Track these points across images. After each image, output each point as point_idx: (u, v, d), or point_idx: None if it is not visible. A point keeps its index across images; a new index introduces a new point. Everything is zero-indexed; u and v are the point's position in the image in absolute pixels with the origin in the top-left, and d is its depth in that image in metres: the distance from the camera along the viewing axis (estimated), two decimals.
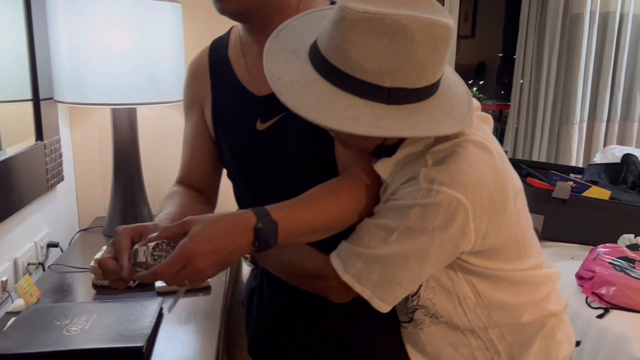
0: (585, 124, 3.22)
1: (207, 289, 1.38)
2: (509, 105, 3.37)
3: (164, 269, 0.76)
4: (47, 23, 1.57)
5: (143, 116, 1.84)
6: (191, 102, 1.15)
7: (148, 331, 1.11)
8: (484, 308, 0.93)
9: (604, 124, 3.25)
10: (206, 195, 1.15)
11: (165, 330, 1.19)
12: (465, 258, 0.88)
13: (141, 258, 0.82)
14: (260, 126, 1.02)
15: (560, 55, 3.17)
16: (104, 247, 1.44)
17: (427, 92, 0.82)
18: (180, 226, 0.80)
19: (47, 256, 1.61)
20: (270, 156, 1.03)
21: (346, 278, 0.88)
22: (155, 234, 0.81)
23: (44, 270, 1.53)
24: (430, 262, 0.85)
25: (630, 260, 1.53)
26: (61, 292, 1.38)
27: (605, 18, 3.13)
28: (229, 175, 1.15)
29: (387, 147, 0.89)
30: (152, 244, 0.82)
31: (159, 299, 1.28)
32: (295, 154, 1.00)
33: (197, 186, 1.15)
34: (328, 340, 1.06)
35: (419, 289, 0.93)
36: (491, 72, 5.13)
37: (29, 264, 1.50)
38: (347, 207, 0.91)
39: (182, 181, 1.16)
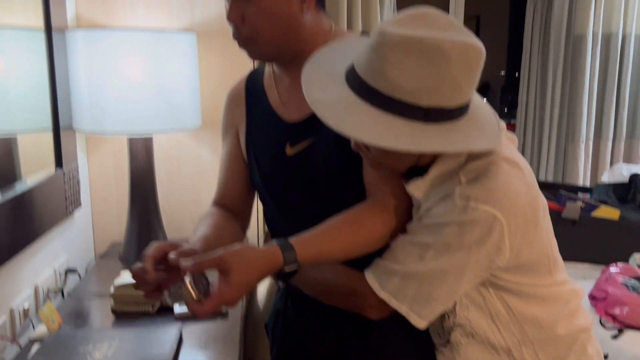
0: (591, 142, 3.25)
1: (224, 315, 1.40)
2: (514, 124, 3.40)
3: (205, 309, 0.84)
4: (67, 55, 1.62)
5: (158, 143, 1.88)
6: (228, 127, 1.22)
7: (169, 357, 1.13)
8: (517, 324, 0.95)
9: (610, 142, 3.27)
10: (239, 216, 1.19)
11: (186, 355, 1.21)
12: (497, 274, 0.91)
13: (184, 292, 0.87)
14: (289, 151, 1.07)
15: (565, 75, 3.21)
16: (122, 273, 1.47)
17: (460, 111, 0.86)
18: (217, 263, 0.84)
19: (65, 282, 1.64)
20: (298, 179, 1.07)
21: (383, 295, 0.91)
22: (190, 262, 0.85)
23: (63, 296, 1.55)
24: (466, 277, 0.88)
25: None
26: (81, 318, 1.40)
27: (607, 39, 3.17)
28: (260, 198, 1.20)
29: (419, 168, 0.93)
30: (188, 278, 0.86)
31: (178, 324, 1.31)
32: (322, 177, 1.04)
33: (231, 207, 1.19)
34: None
35: (455, 307, 0.96)
36: (495, 90, 5.19)
37: (49, 291, 1.52)
38: (371, 235, 0.95)
39: (218, 202, 1.21)
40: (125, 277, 1.44)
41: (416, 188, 0.94)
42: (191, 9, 1.85)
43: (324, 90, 0.89)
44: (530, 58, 3.23)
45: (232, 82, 1.87)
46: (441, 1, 3.32)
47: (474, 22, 5.45)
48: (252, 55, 1.05)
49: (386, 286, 0.91)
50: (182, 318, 1.37)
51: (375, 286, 0.92)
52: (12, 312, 1.32)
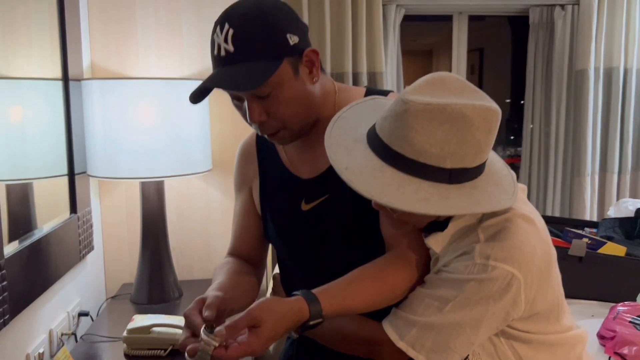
0: (597, 176, 3.26)
1: None
2: (519, 158, 3.43)
3: (231, 355, 0.84)
4: (82, 104, 1.68)
5: (169, 185, 1.93)
6: (241, 182, 1.23)
7: None
8: None
9: (615, 176, 3.29)
10: (254, 264, 1.22)
11: None
12: (510, 324, 0.94)
13: (205, 341, 0.86)
14: (305, 207, 1.10)
15: (568, 109, 3.25)
16: (135, 317, 1.49)
17: (480, 169, 0.90)
18: (248, 321, 0.86)
19: (78, 325, 1.66)
20: (314, 233, 1.10)
21: (401, 345, 0.94)
22: (222, 327, 0.86)
23: (76, 340, 1.57)
24: (482, 329, 0.92)
25: None
26: None
27: (609, 73, 3.22)
28: (274, 245, 1.23)
29: (438, 223, 0.96)
30: (204, 329, 0.87)
31: None
32: (338, 231, 1.08)
33: (246, 257, 1.22)
34: None
35: (468, 356, 0.98)
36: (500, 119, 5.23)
37: (62, 334, 1.55)
38: (393, 289, 0.99)
39: (233, 253, 1.23)
40: (138, 321, 1.47)
41: (435, 242, 0.97)
42: (201, 57, 1.92)
43: (349, 155, 0.92)
44: (533, 93, 3.28)
45: (241, 127, 1.93)
46: (445, 36, 3.40)
47: (477, 54, 5.54)
48: (284, 142, 1.07)
49: (405, 336, 0.94)
50: None
51: (394, 336, 0.95)
52: (28, 358, 1.35)
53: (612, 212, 2.61)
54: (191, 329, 0.90)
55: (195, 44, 1.92)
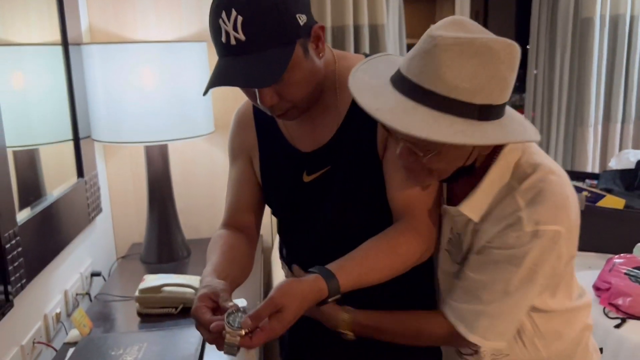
0: (600, 126, 3.26)
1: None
2: (522, 108, 3.42)
3: (255, 342, 0.87)
4: (83, 69, 1.68)
5: (173, 148, 1.95)
6: (238, 151, 1.22)
7: (195, 358, 1.21)
8: (541, 338, 1.05)
9: (619, 125, 3.28)
10: (249, 234, 1.22)
11: (210, 356, 1.29)
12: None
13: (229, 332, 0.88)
14: (306, 178, 1.11)
15: (572, 59, 3.21)
16: (145, 277, 1.55)
17: (504, 108, 0.92)
18: (271, 308, 0.88)
19: (91, 285, 1.73)
20: (316, 204, 1.12)
21: (472, 338, 0.98)
22: (246, 317, 0.87)
23: (90, 299, 1.64)
24: (538, 290, 0.98)
25: None
26: (109, 321, 1.49)
27: (615, 21, 3.16)
28: (275, 215, 1.24)
29: (464, 170, 0.97)
30: (226, 318, 0.88)
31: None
32: (340, 201, 1.09)
33: (241, 227, 1.21)
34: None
35: None
36: None
37: (77, 294, 1.61)
38: (406, 260, 1.02)
39: (228, 223, 1.22)
40: (149, 281, 1.53)
41: (471, 209, 0.99)
42: (200, 18, 1.90)
43: (377, 98, 0.91)
44: (537, 39, 3.24)
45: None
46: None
47: (482, 1, 5.42)
48: (293, 119, 1.05)
49: (475, 329, 0.97)
50: None
51: (464, 330, 0.98)
52: (45, 318, 1.41)
53: (613, 164, 2.62)
54: (204, 326, 0.90)
55: (193, 4, 1.90)
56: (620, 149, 3.26)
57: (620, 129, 3.27)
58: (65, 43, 1.61)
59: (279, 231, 1.26)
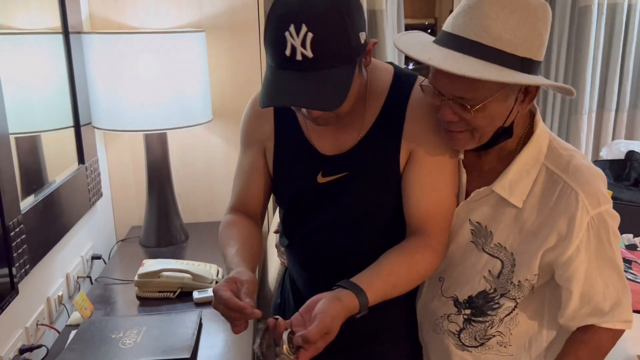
0: (594, 114, 3.29)
1: None
2: None
3: (308, 356, 0.91)
4: (84, 58, 1.71)
5: (172, 135, 1.98)
6: (251, 139, 1.22)
7: (192, 342, 1.27)
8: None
9: (612, 113, 3.31)
10: (256, 219, 1.26)
11: (206, 339, 1.35)
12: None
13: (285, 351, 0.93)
14: (321, 179, 1.14)
15: (569, 46, 3.22)
16: (145, 262, 1.60)
17: (539, 67, 0.98)
18: (323, 332, 0.91)
19: (92, 268, 1.78)
20: (327, 206, 1.15)
21: (617, 325, 1.08)
22: (298, 337, 0.90)
23: (91, 282, 1.69)
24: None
25: (627, 261, 1.63)
26: (110, 304, 1.54)
27: (613, 9, 3.18)
28: (281, 206, 1.26)
29: (503, 133, 1.03)
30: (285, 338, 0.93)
31: (198, 310, 1.44)
32: (351, 208, 1.13)
33: (250, 213, 1.25)
34: (350, 344, 1.20)
35: (504, 319, 1.13)
36: None
37: (78, 277, 1.66)
38: (423, 276, 1.11)
39: (237, 208, 1.25)
40: (148, 266, 1.58)
41: (518, 196, 1.05)
42: (200, 7, 1.92)
43: (426, 51, 0.98)
44: None
45: (241, 75, 1.97)
46: None
47: None
48: (331, 125, 1.08)
49: (614, 316, 1.07)
50: (201, 303, 1.51)
51: (607, 321, 1.08)
52: (48, 301, 1.47)
53: (604, 154, 2.66)
54: (222, 302, 0.94)
55: None
56: (614, 137, 3.30)
57: (614, 117, 3.30)
58: (66, 31, 1.64)
59: (283, 222, 1.28)
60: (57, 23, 1.61)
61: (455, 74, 0.91)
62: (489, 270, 1.10)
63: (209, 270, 1.62)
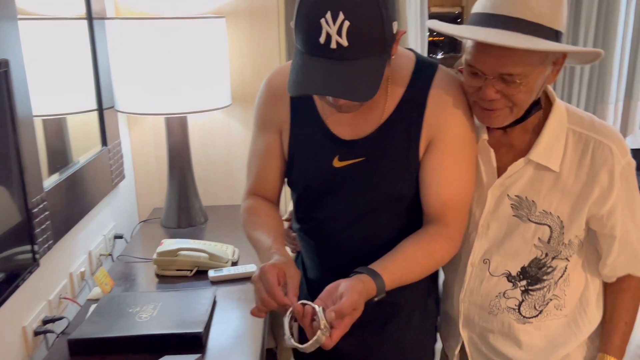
0: (621, 104, 3.23)
1: None
2: None
3: (335, 341, 0.96)
4: (107, 44, 1.76)
5: (193, 119, 2.03)
6: (267, 122, 1.22)
7: (205, 318, 1.32)
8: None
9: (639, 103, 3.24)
10: (275, 201, 1.29)
11: (219, 315, 1.39)
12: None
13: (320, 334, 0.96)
14: (337, 163, 1.15)
15: (597, 34, 3.16)
16: (164, 241, 1.65)
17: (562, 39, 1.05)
18: (352, 306, 0.95)
19: (114, 247, 1.85)
20: (342, 190, 1.16)
21: None
22: (331, 312, 0.94)
23: (112, 260, 1.76)
24: None
25: None
26: (129, 280, 1.60)
27: None
28: (294, 189, 1.26)
29: (534, 104, 1.10)
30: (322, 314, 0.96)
31: (213, 288, 1.49)
32: (366, 193, 1.14)
33: (267, 197, 1.27)
34: (366, 326, 1.22)
35: (559, 280, 1.19)
36: None
37: (100, 255, 1.73)
38: (438, 263, 1.15)
39: (255, 192, 1.27)
40: (167, 245, 1.63)
41: (539, 156, 1.11)
42: None
43: (472, 32, 1.02)
44: None
45: (260, 61, 2.00)
46: None
47: None
48: (353, 111, 1.08)
49: None
50: (216, 282, 1.55)
51: None
52: (71, 276, 1.53)
53: (629, 142, 2.61)
54: (265, 284, 0.98)
55: None
56: None
57: None
58: (90, 17, 1.69)
59: (297, 206, 1.28)
60: (82, 10, 1.66)
61: (509, 46, 0.96)
62: (539, 238, 1.15)
63: (225, 250, 1.66)
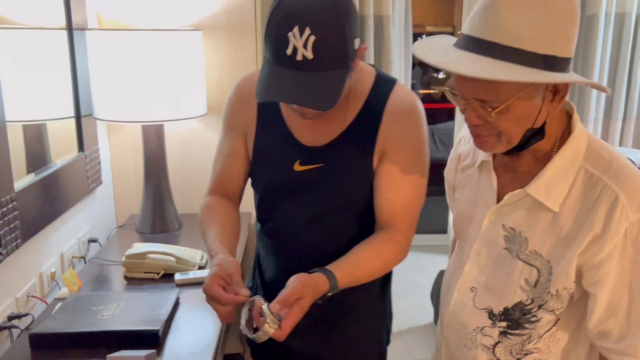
0: (600, 123, 3.29)
1: None
2: None
3: (285, 333, 1.02)
4: (87, 54, 1.83)
5: (170, 128, 2.09)
6: (234, 124, 1.29)
7: (164, 317, 1.36)
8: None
9: (619, 123, 3.31)
10: (235, 200, 1.35)
11: (182, 316, 1.43)
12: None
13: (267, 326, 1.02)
14: (298, 167, 1.21)
15: (577, 55, 3.24)
16: (134, 244, 1.70)
17: (568, 64, 0.92)
18: (296, 296, 1.02)
19: (88, 250, 1.89)
20: (302, 193, 1.23)
21: None
22: (275, 303, 1.02)
23: (85, 262, 1.80)
24: None
25: None
26: (99, 282, 1.65)
27: (621, 19, 3.18)
28: (256, 190, 1.32)
29: (535, 133, 0.97)
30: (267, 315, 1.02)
31: (177, 290, 1.53)
32: (325, 199, 1.21)
33: (229, 195, 1.33)
34: (319, 324, 1.29)
35: (543, 335, 1.06)
36: None
37: (72, 257, 1.78)
38: (387, 266, 1.21)
39: (217, 190, 1.33)
40: (136, 248, 1.68)
41: (554, 199, 0.98)
42: (198, 9, 2.03)
43: (441, 56, 0.94)
44: None
45: (234, 72, 2.07)
46: None
47: None
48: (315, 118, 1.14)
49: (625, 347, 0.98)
50: (182, 285, 1.60)
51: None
52: (41, 275, 1.58)
53: None
54: (215, 300, 1.04)
55: None
56: (620, 146, 3.29)
57: (621, 126, 3.30)
58: (70, 28, 1.76)
59: (258, 207, 1.34)
60: (63, 21, 1.74)
61: (464, 74, 0.89)
62: (525, 279, 1.03)
63: (193, 255, 1.71)
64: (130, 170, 2.18)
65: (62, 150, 1.75)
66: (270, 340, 1.04)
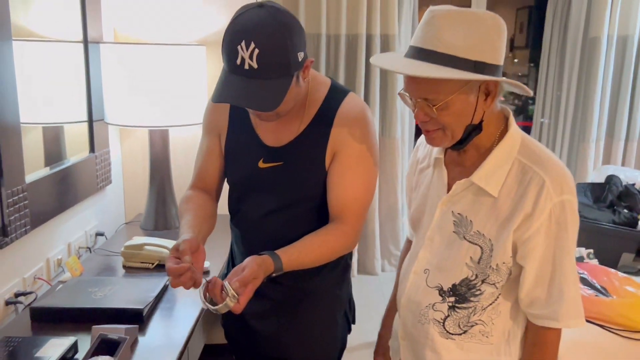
0: (602, 142, 3.34)
1: (206, 273, 1.78)
2: (530, 122, 3.54)
3: (242, 306, 1.15)
4: (100, 64, 2.03)
5: (176, 134, 2.27)
6: (210, 127, 1.46)
7: (151, 299, 1.52)
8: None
9: (622, 143, 3.35)
10: (213, 194, 1.49)
11: (169, 301, 1.59)
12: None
13: (229, 300, 1.15)
14: (262, 165, 1.37)
15: (580, 76, 3.30)
16: (134, 237, 1.87)
17: (500, 71, 1.10)
18: (253, 276, 1.16)
19: (95, 243, 2.07)
20: (265, 189, 1.38)
21: (563, 324, 1.14)
22: (236, 283, 1.14)
23: (90, 252, 1.98)
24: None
25: None
26: (100, 269, 1.82)
27: (623, 41, 3.24)
28: (230, 185, 1.48)
29: (475, 129, 1.14)
30: (228, 288, 1.15)
31: (167, 277, 1.69)
32: (285, 193, 1.36)
33: (207, 189, 1.48)
34: (281, 309, 1.44)
35: (487, 308, 1.20)
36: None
37: (79, 248, 1.96)
38: (333, 254, 1.34)
39: (196, 185, 1.47)
40: (135, 240, 1.85)
41: (480, 179, 1.15)
42: (203, 27, 2.22)
43: (391, 63, 1.14)
44: (548, 58, 3.35)
45: None
46: (463, 2, 3.49)
47: None
48: (273, 121, 1.30)
49: (563, 315, 1.13)
50: None
51: (555, 324, 1.14)
52: (48, 261, 1.76)
53: (592, 177, 2.73)
54: (177, 274, 1.13)
55: (198, 15, 2.22)
56: (623, 166, 3.33)
57: (623, 146, 3.35)
58: (85, 41, 1.96)
59: (229, 199, 1.49)
60: (80, 35, 1.94)
61: (416, 76, 1.07)
62: (470, 257, 1.18)
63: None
64: (139, 172, 2.36)
65: (75, 151, 1.94)
66: (238, 322, 1.20)
